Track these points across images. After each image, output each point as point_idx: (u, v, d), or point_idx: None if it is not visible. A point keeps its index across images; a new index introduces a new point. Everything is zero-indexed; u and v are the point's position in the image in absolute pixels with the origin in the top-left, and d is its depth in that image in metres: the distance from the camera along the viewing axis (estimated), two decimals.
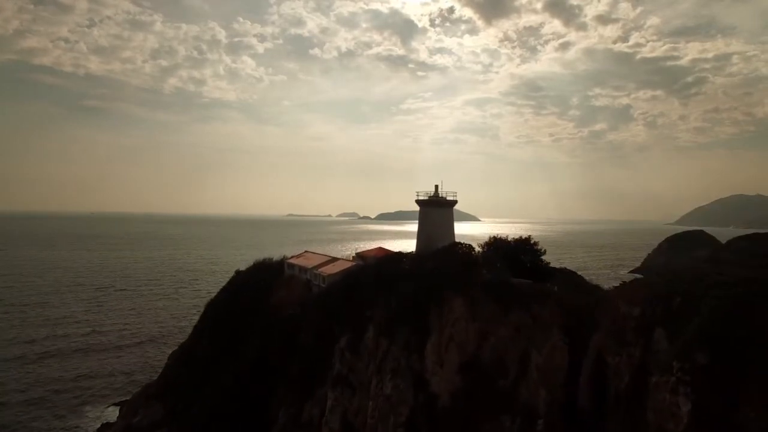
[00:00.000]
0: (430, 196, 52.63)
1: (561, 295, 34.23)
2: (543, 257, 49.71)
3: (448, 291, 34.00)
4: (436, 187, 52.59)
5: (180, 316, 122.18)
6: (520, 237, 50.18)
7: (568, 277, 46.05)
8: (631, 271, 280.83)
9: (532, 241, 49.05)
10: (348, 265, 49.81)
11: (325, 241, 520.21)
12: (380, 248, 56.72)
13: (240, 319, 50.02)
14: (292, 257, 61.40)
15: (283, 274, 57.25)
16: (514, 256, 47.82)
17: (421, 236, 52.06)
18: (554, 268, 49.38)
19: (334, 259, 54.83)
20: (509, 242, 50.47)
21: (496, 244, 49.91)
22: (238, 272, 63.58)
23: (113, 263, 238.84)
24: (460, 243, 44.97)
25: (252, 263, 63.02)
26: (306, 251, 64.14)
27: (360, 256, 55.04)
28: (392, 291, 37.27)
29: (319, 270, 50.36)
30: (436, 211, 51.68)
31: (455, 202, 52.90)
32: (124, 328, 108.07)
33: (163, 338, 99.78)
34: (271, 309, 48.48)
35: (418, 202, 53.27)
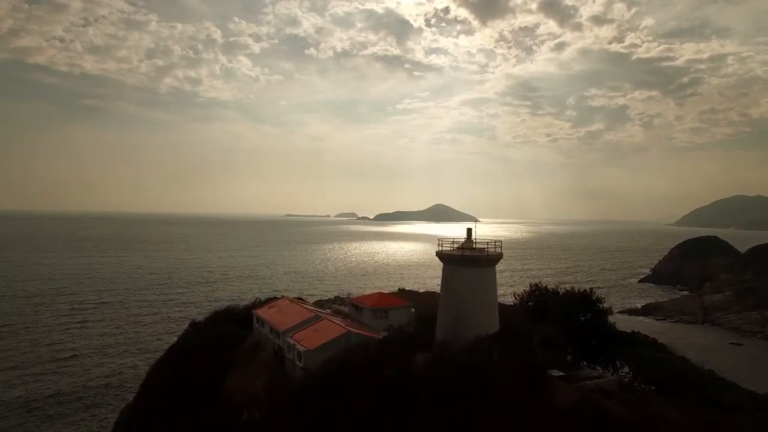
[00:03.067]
0: (459, 247, 34.39)
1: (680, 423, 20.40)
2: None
3: None
4: (469, 232, 34.24)
5: (157, 344, 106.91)
6: (573, 289, 36.56)
7: (645, 346, 32.06)
8: (641, 280, 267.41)
9: (594, 297, 35.53)
10: (335, 332, 35.32)
11: (322, 242, 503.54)
12: (380, 294, 43.06)
13: (180, 412, 36.03)
14: (263, 306, 47.12)
15: (251, 331, 43.35)
16: (566, 312, 34.23)
17: (446, 311, 33.79)
18: (620, 331, 35.60)
19: (317, 318, 40.19)
20: (557, 293, 36.74)
21: (541, 297, 36.10)
22: (193, 326, 49.42)
23: (100, 270, 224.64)
24: (513, 328, 29.92)
25: (212, 312, 49.01)
26: (283, 297, 49.76)
27: (354, 305, 41.41)
28: (403, 415, 23.24)
29: (295, 338, 35.89)
30: (471, 272, 32.93)
31: (500, 256, 33.94)
32: (88, 364, 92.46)
33: (129, 381, 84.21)
34: (224, 399, 34.63)
35: (441, 256, 35.12)
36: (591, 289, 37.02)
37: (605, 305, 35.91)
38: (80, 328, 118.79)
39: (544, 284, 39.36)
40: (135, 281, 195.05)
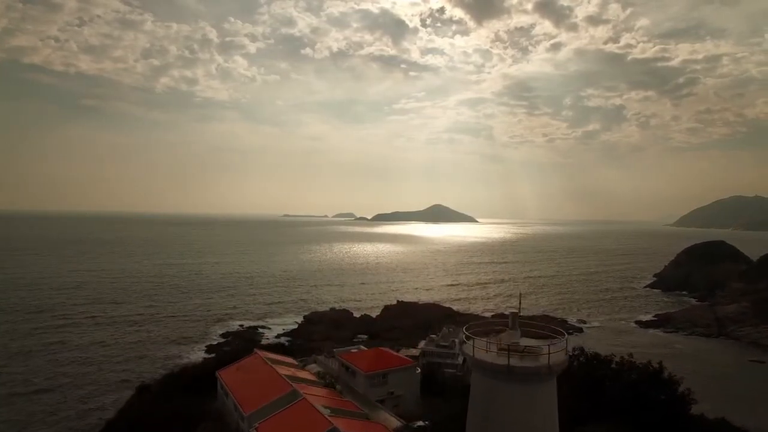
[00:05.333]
0: (500, 345, 22.07)
1: None
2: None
3: None
4: (514, 317, 22.59)
5: (134, 374, 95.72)
6: (631, 359, 28.04)
7: None
8: (647, 286, 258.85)
9: (665, 374, 27.08)
10: (316, 430, 26.00)
11: (319, 244, 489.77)
12: (377, 353, 34.57)
13: None
14: (231, 366, 37.77)
15: (215, 397, 34.67)
16: (631, 395, 25.65)
17: None
18: (700, 416, 27.03)
19: (294, 396, 30.35)
20: (615, 365, 28.10)
21: (593, 370, 27.38)
22: (141, 392, 40.66)
23: (91, 277, 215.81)
24: None
25: (170, 371, 40.17)
26: (255, 353, 40.06)
27: (345, 365, 32.81)
28: None
29: None
30: (520, 391, 21.20)
31: (565, 364, 22.17)
32: (55, 403, 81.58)
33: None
34: None
35: (472, 363, 22.71)
36: (661, 363, 28.43)
37: (682, 386, 27.07)
38: (57, 352, 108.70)
39: (593, 352, 30.45)
40: (125, 292, 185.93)
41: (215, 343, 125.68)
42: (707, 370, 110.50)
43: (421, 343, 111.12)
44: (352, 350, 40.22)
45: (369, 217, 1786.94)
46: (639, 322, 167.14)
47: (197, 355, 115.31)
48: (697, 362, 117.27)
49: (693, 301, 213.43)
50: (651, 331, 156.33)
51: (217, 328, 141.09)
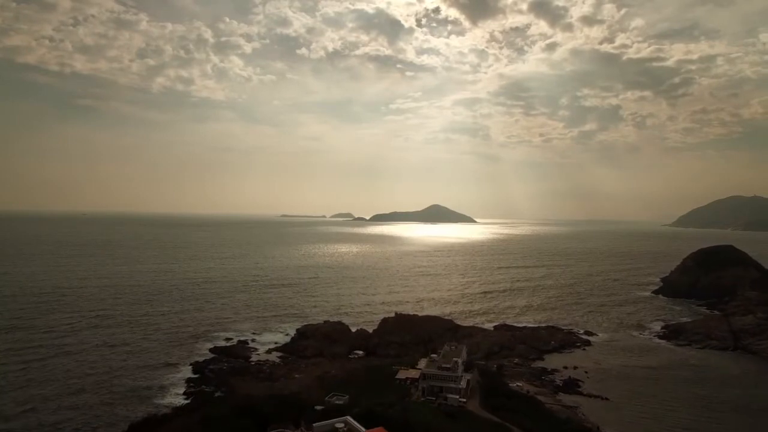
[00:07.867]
0: None
1: None
2: None
3: None
4: None
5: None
6: None
7: None
8: (654, 292, 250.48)
9: None
10: None
11: (318, 245, 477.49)
12: None
13: None
14: None
15: None
16: None
17: None
18: None
19: None
20: None
21: None
22: None
23: (74, 283, 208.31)
24: None
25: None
26: None
27: None
28: None
29: None
30: None
31: None
32: None
33: None
34: None
35: None
36: None
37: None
38: (29, 386, 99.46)
39: None
40: (114, 301, 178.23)
41: (202, 360, 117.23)
42: (733, 396, 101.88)
43: (422, 363, 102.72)
44: (337, 426, 31.82)
45: (367, 218, 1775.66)
46: (649, 334, 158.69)
47: (183, 374, 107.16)
48: (719, 386, 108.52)
49: (703, 309, 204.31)
50: (663, 343, 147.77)
51: (206, 342, 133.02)
